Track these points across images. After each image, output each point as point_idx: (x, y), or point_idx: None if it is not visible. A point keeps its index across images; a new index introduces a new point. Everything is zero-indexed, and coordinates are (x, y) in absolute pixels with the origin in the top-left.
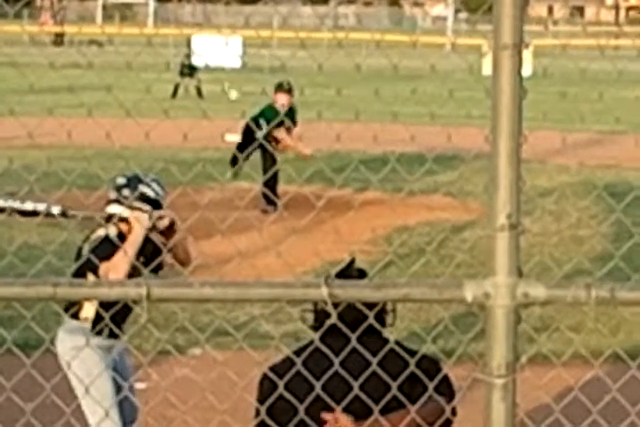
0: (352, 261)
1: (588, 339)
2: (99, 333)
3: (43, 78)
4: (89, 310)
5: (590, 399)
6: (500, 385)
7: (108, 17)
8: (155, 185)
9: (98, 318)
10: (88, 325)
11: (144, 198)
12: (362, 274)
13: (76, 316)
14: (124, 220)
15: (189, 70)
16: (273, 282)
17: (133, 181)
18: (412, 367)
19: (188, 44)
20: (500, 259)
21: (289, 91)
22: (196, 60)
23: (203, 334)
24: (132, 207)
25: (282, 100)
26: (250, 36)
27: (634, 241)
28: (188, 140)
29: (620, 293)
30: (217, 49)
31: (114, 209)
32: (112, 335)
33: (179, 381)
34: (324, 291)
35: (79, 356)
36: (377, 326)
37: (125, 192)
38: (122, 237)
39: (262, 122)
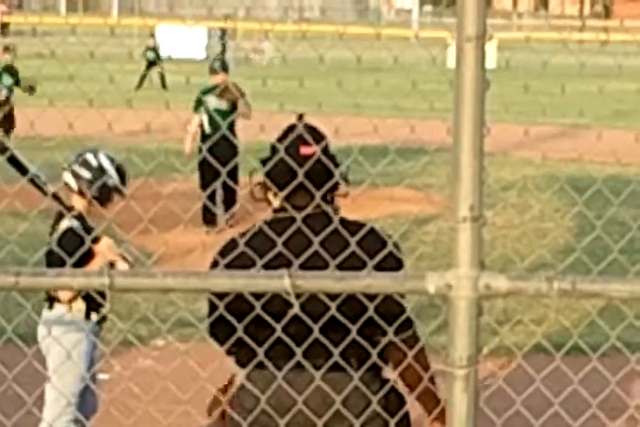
0: (300, 117)
1: (550, 331)
2: (88, 317)
3: None
4: (78, 302)
5: (551, 391)
6: (462, 376)
7: (71, 7)
8: (102, 157)
9: (89, 302)
10: (80, 313)
11: (86, 165)
12: (312, 129)
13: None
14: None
15: (155, 60)
16: (235, 273)
17: (86, 152)
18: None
19: (152, 35)
20: (462, 251)
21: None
22: (162, 51)
23: (165, 325)
24: (73, 172)
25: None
26: (214, 28)
27: (596, 234)
28: (151, 130)
29: (582, 285)
30: (181, 40)
31: (65, 177)
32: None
33: (141, 371)
34: (287, 282)
35: (69, 342)
36: (326, 207)
37: (71, 159)
38: (80, 218)
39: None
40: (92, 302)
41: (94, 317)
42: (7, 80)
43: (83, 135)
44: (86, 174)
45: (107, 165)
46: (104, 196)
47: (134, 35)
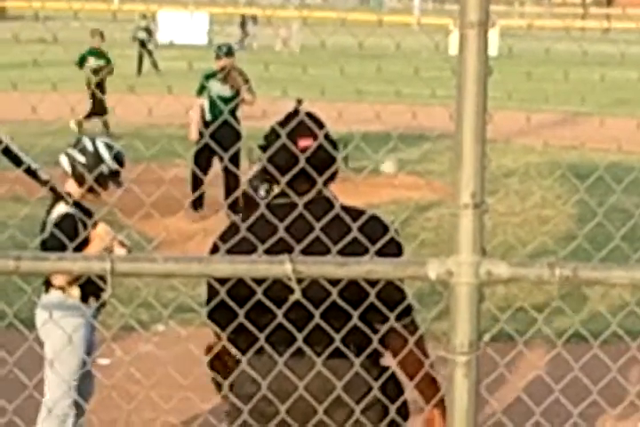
0: (299, 102)
1: (552, 318)
2: (85, 300)
3: (6, 53)
4: (74, 289)
5: (552, 378)
6: (463, 362)
7: None
8: (99, 143)
9: (88, 287)
10: (76, 298)
11: (81, 149)
12: (311, 118)
13: (61, 288)
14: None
15: (144, 41)
16: (236, 258)
17: (84, 137)
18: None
19: (144, 16)
20: (463, 237)
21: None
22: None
23: (166, 310)
24: (68, 156)
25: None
26: (216, 13)
27: (597, 221)
28: (153, 116)
29: (584, 272)
30: (183, 25)
31: (61, 160)
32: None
33: (142, 356)
34: (288, 267)
35: (64, 326)
36: (327, 193)
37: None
38: (76, 204)
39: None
40: (90, 286)
41: (92, 301)
42: (94, 62)
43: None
44: (81, 159)
45: (103, 150)
46: (98, 182)
47: (136, 20)
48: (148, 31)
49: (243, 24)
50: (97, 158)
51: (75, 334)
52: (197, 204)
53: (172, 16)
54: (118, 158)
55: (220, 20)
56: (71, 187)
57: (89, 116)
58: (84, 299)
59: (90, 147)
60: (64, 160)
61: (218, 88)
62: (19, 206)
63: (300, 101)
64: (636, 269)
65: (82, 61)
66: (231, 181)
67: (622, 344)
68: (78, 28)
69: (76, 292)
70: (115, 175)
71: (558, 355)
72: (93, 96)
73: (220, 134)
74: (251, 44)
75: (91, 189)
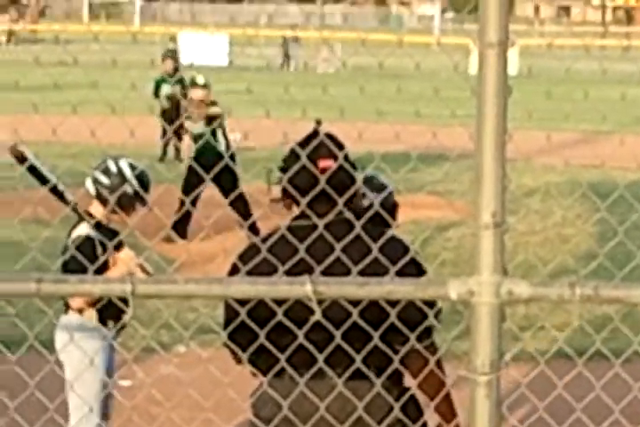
0: (318, 123)
1: (573, 337)
2: (104, 323)
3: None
4: (89, 310)
5: (574, 397)
6: (485, 382)
7: (94, 15)
8: (123, 164)
9: (106, 310)
10: (93, 320)
11: (105, 171)
12: (331, 139)
13: (79, 311)
14: (102, 200)
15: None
16: (257, 279)
17: (108, 159)
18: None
19: (173, 39)
20: (484, 257)
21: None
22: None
23: (187, 331)
24: (93, 178)
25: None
26: (236, 35)
27: (618, 240)
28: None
29: (604, 290)
30: (203, 47)
31: (86, 182)
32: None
33: (163, 378)
34: (309, 288)
35: (82, 348)
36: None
37: (95, 165)
38: (99, 227)
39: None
40: (108, 309)
41: (111, 324)
42: (167, 89)
43: (105, 143)
44: (105, 180)
45: (127, 171)
46: (122, 203)
47: (157, 42)
48: (176, 54)
49: (285, 46)
50: (120, 179)
51: (95, 357)
52: (182, 231)
53: (192, 37)
54: (142, 179)
55: (240, 41)
56: (96, 209)
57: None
58: (103, 322)
59: (113, 168)
60: (88, 182)
61: (196, 127)
62: (40, 228)
63: (319, 122)
64: None
65: (156, 89)
66: (239, 206)
67: None
68: (98, 50)
69: (92, 314)
70: (140, 196)
71: (580, 374)
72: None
73: (206, 159)
74: (295, 65)
75: (116, 211)
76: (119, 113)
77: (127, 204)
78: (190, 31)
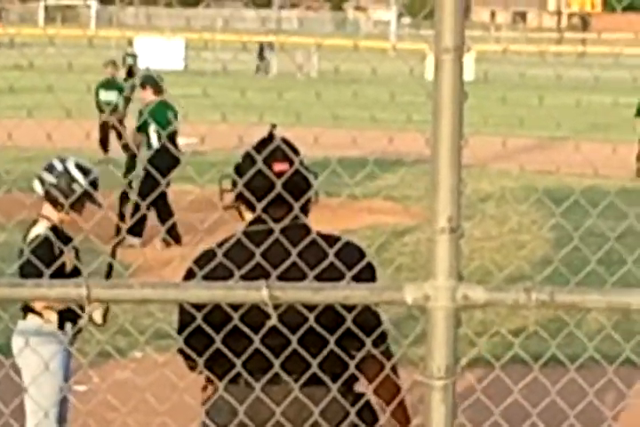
0: (274, 127)
1: (528, 343)
2: (62, 327)
3: None
4: (51, 315)
5: (529, 402)
6: (440, 387)
7: (50, 19)
8: (69, 163)
9: (62, 312)
10: (53, 324)
11: (51, 170)
12: (286, 143)
13: (39, 314)
14: (52, 201)
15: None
16: (213, 284)
17: (54, 160)
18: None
19: (131, 43)
20: (440, 261)
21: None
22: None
23: (143, 336)
24: (39, 178)
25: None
26: (192, 39)
27: (573, 246)
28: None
29: (560, 296)
30: (159, 51)
31: (34, 184)
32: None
33: (119, 383)
34: (265, 293)
35: (39, 353)
36: (302, 218)
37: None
38: (55, 230)
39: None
40: (68, 312)
41: (69, 327)
42: (108, 96)
43: (61, 146)
44: (51, 179)
45: (72, 169)
46: (72, 202)
47: (112, 46)
48: (135, 57)
49: (261, 51)
50: (68, 178)
51: (52, 361)
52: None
53: (148, 42)
54: (90, 175)
55: (197, 45)
56: (47, 210)
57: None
58: (61, 325)
59: (60, 167)
60: (37, 183)
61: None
62: None
63: (274, 126)
64: (613, 293)
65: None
66: (158, 211)
67: (599, 368)
68: (54, 54)
69: (53, 317)
70: (89, 195)
71: (535, 379)
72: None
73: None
74: (268, 71)
75: (67, 211)
76: (75, 117)
77: (77, 203)
78: (146, 35)
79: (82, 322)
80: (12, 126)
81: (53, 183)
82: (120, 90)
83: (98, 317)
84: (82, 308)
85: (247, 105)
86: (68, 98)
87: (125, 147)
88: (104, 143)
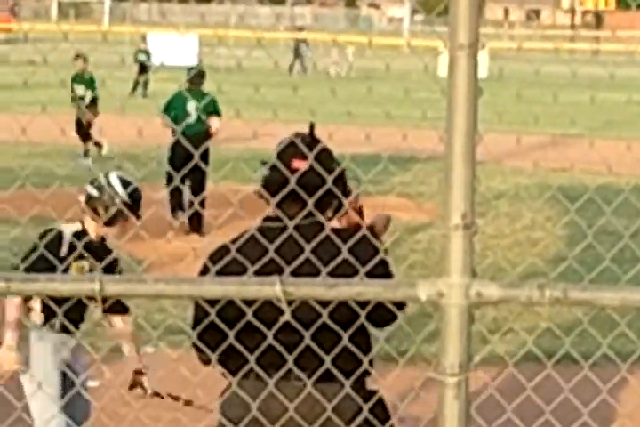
0: (312, 126)
1: (542, 340)
2: (50, 327)
3: None
4: (36, 301)
5: (543, 400)
6: (453, 384)
7: (63, 14)
8: (112, 177)
9: (50, 312)
10: (38, 320)
11: (95, 184)
12: (314, 141)
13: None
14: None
15: (145, 63)
16: (227, 279)
17: (100, 174)
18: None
19: (144, 39)
20: (453, 258)
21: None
22: (153, 57)
23: (156, 331)
24: (85, 192)
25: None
26: (206, 35)
27: (587, 243)
28: (144, 137)
29: (573, 293)
30: (173, 47)
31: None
32: (65, 330)
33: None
34: (278, 288)
35: (26, 351)
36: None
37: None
38: (82, 234)
39: None
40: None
41: (57, 324)
42: (79, 90)
43: (75, 142)
44: (94, 192)
45: (115, 183)
46: (112, 216)
47: (126, 42)
48: (147, 54)
49: (296, 49)
50: (109, 191)
51: (39, 362)
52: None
53: (161, 38)
54: (134, 192)
55: (211, 42)
56: (88, 222)
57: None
58: (47, 321)
59: (102, 180)
60: (81, 198)
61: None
62: (8, 228)
63: (312, 125)
64: (626, 290)
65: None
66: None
67: (613, 366)
68: (67, 49)
69: (36, 315)
70: (132, 209)
71: (549, 376)
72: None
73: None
74: (306, 68)
75: (108, 224)
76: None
77: (115, 215)
78: (159, 31)
79: (96, 316)
80: (25, 121)
81: (95, 196)
82: (87, 84)
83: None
84: (80, 309)
85: (261, 101)
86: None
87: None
88: (83, 135)
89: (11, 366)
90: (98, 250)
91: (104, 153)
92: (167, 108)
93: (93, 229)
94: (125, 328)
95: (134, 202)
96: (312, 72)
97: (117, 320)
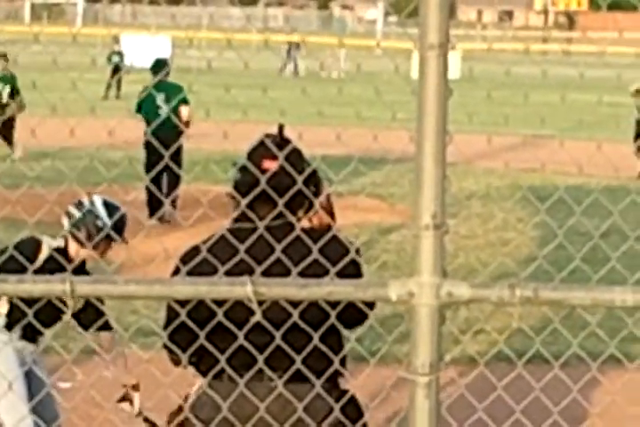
0: (281, 127)
1: (513, 340)
2: (9, 329)
3: None
4: (2, 306)
5: (513, 399)
6: (424, 383)
7: (36, 16)
8: (96, 199)
9: (14, 315)
10: (1, 320)
11: (77, 205)
12: (285, 142)
13: None
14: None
15: (119, 65)
16: (198, 280)
17: (84, 196)
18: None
19: (117, 40)
20: (424, 258)
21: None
22: (126, 59)
23: (128, 333)
24: (66, 213)
25: None
26: (178, 37)
27: (558, 243)
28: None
29: (544, 292)
30: (146, 49)
31: (62, 219)
32: (25, 337)
33: (103, 380)
34: (249, 289)
35: None
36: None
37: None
38: (63, 252)
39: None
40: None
41: (16, 330)
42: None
43: (45, 144)
44: (76, 213)
45: (98, 205)
46: (92, 236)
47: (98, 44)
48: (121, 55)
49: (289, 51)
50: (93, 215)
51: (7, 362)
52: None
53: (134, 40)
54: (116, 214)
55: (183, 43)
56: (71, 245)
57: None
58: (9, 326)
59: (86, 202)
60: (64, 219)
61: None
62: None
63: (281, 126)
64: (597, 289)
65: None
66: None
67: (583, 366)
68: (39, 52)
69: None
70: (116, 232)
71: (519, 376)
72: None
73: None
74: (297, 71)
75: (93, 247)
76: (59, 114)
77: (96, 238)
78: (132, 33)
79: (66, 318)
80: None
81: (77, 218)
82: (8, 81)
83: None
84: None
85: (232, 102)
86: (53, 95)
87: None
88: (5, 136)
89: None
90: (75, 271)
91: (16, 157)
92: (139, 107)
93: (74, 250)
94: (111, 347)
95: (119, 227)
96: (304, 73)
97: (105, 341)
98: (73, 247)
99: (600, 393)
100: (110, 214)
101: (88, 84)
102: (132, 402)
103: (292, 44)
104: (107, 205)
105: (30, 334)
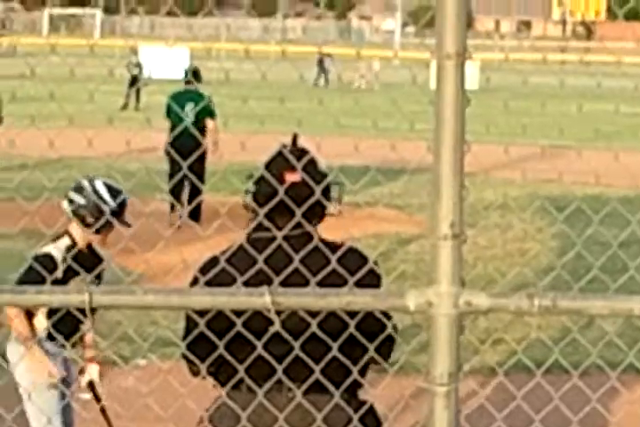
0: (295, 137)
1: (531, 349)
2: (52, 339)
3: None
4: (41, 321)
5: (533, 409)
6: (443, 393)
7: (54, 28)
8: (98, 183)
9: (53, 325)
10: (42, 333)
11: (79, 190)
12: (303, 153)
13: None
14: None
15: (137, 76)
16: (216, 290)
17: (82, 179)
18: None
19: (135, 52)
20: (442, 268)
21: None
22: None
23: (147, 343)
24: (67, 198)
25: None
26: (197, 48)
27: (577, 253)
28: (133, 150)
29: (563, 302)
30: (164, 60)
31: (63, 204)
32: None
33: (123, 390)
34: (268, 299)
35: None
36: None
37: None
38: (71, 248)
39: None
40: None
41: (59, 337)
42: None
43: (63, 155)
44: (80, 200)
45: (102, 190)
46: (100, 222)
47: (116, 55)
48: (140, 67)
49: (320, 62)
50: (96, 198)
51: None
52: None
53: (151, 51)
54: (118, 197)
55: (201, 55)
56: (75, 230)
57: None
58: (52, 334)
59: (88, 187)
60: (64, 203)
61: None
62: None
63: (295, 136)
64: (616, 299)
65: None
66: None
67: (602, 375)
68: (57, 63)
69: (41, 326)
70: (117, 215)
71: (538, 386)
72: None
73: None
74: (328, 82)
75: (96, 231)
76: (77, 125)
77: (104, 223)
78: (150, 45)
79: (84, 328)
80: (14, 135)
81: (82, 204)
82: None
83: (95, 374)
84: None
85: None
86: (71, 107)
87: None
88: None
89: (54, 375)
90: (89, 259)
91: None
92: (168, 112)
93: (80, 237)
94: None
95: (120, 208)
96: (337, 85)
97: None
98: (79, 234)
99: (619, 402)
100: (114, 197)
101: (105, 95)
102: (83, 374)
103: (323, 55)
104: (109, 187)
105: (61, 339)
